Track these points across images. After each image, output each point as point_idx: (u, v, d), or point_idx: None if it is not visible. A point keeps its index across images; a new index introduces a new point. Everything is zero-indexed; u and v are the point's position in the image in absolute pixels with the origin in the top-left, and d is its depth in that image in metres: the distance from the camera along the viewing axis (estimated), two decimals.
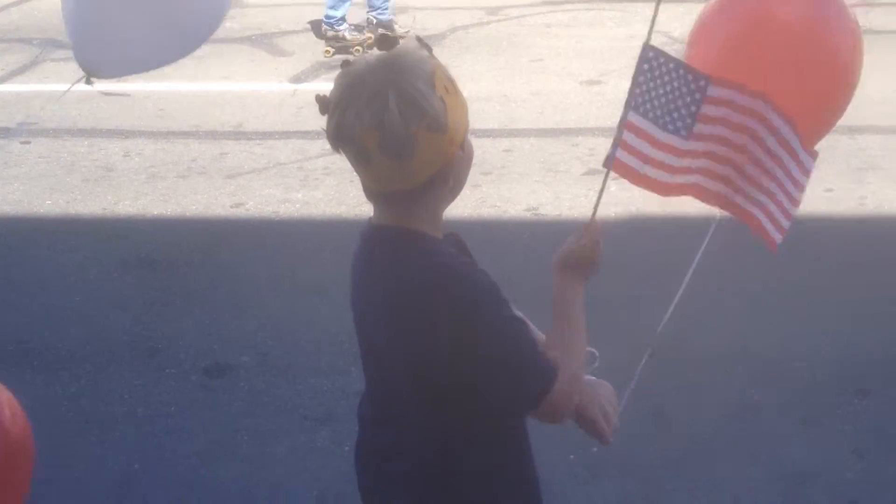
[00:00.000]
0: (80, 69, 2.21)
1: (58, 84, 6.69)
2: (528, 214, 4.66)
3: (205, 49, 7.96)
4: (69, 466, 3.15)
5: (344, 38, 6.80)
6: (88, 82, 2.19)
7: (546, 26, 7.51)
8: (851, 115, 6.28)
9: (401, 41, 1.61)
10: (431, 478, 1.63)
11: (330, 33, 6.85)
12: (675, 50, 7.33)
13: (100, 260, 4.44)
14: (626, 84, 6.57)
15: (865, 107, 5.84)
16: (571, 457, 3.01)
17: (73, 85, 2.26)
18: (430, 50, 1.55)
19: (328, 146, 5.33)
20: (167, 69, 7.35)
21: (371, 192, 1.58)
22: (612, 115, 5.87)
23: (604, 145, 5.47)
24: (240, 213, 4.83)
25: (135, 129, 5.87)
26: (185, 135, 5.75)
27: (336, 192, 4.96)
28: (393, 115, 1.45)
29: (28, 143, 5.78)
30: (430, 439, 1.61)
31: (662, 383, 3.41)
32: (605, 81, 6.34)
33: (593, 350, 1.77)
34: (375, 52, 1.54)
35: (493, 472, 1.64)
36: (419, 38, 1.57)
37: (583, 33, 7.31)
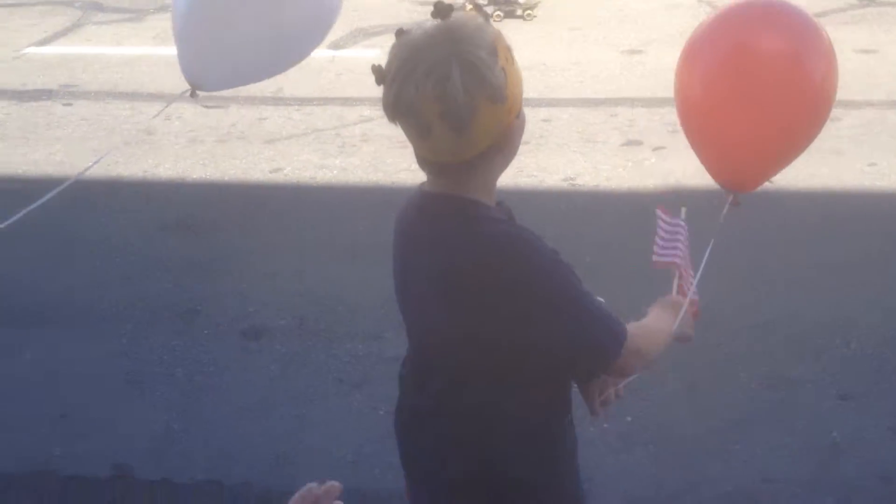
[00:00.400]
0: (186, 82, 2.24)
1: (100, 47, 6.76)
2: (565, 184, 4.65)
3: None
4: (111, 423, 3.22)
5: (516, 2, 6.84)
6: (193, 95, 2.23)
7: None
8: (894, 89, 6.17)
9: (466, 9, 1.57)
10: (475, 444, 1.63)
11: None
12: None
13: (140, 222, 4.50)
14: (667, 54, 6.56)
15: None
16: (605, 426, 3.02)
17: (175, 99, 2.32)
18: (486, 18, 1.52)
19: (366, 113, 5.34)
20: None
21: (427, 163, 1.56)
22: (652, 85, 5.86)
23: (643, 116, 5.44)
24: (278, 177, 4.87)
25: (175, 92, 5.90)
26: (225, 100, 5.78)
27: (373, 159, 4.98)
28: (455, 85, 1.43)
29: (70, 104, 5.85)
30: (480, 405, 1.61)
31: (698, 355, 3.41)
32: (646, 51, 6.28)
33: (601, 299, 1.76)
34: (431, 21, 1.50)
35: (537, 439, 1.64)
36: (476, 6, 1.54)
37: (626, 2, 7.23)
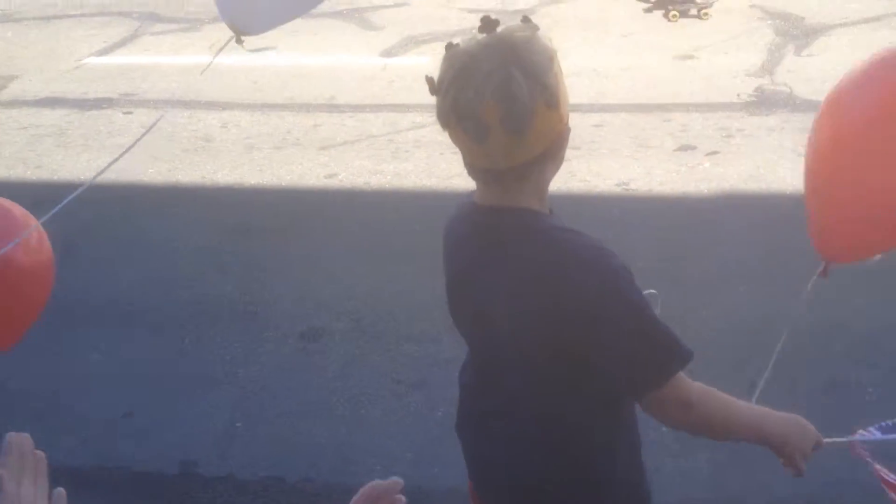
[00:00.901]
0: (230, 30, 2.30)
1: (157, 57, 6.91)
2: (618, 189, 4.66)
3: (297, 23, 8.08)
4: (175, 422, 3.30)
5: (692, 1, 6.89)
6: (239, 41, 2.29)
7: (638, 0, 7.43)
8: None
9: (704, 12, 1.53)
10: (547, 448, 1.65)
11: None
12: (771, 25, 7.11)
13: (201, 226, 4.60)
14: (719, 59, 6.50)
15: None
16: (664, 430, 3.02)
17: (224, 46, 2.35)
18: (536, 29, 1.55)
19: (418, 119, 5.39)
20: (258, 41, 7.49)
21: (479, 171, 1.56)
22: (704, 89, 5.85)
23: (697, 121, 5.43)
24: (332, 183, 4.94)
25: (231, 101, 6.03)
26: (280, 107, 5.88)
27: (426, 165, 5.03)
28: (520, 87, 1.46)
29: (130, 113, 5.99)
30: (552, 409, 1.63)
31: (755, 357, 3.40)
32: (698, 56, 6.26)
33: (654, 291, 1.75)
34: (478, 35, 1.53)
35: (608, 441, 1.66)
36: (527, 18, 1.57)
37: (676, 8, 7.20)
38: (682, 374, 1.58)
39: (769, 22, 6.76)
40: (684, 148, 5.03)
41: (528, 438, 1.67)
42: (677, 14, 6.88)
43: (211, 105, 6.00)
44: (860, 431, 1.78)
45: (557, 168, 1.61)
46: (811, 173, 1.85)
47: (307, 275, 4.14)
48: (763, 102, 5.52)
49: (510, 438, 1.69)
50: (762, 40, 6.43)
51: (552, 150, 1.55)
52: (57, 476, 1.38)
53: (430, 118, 5.61)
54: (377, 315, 3.82)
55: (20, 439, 1.06)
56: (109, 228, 4.64)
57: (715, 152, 4.96)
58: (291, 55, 6.63)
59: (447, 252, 1.71)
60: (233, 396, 3.41)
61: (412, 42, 6.79)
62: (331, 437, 3.19)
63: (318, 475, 3.03)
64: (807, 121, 6.07)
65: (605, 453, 1.66)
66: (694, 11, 6.92)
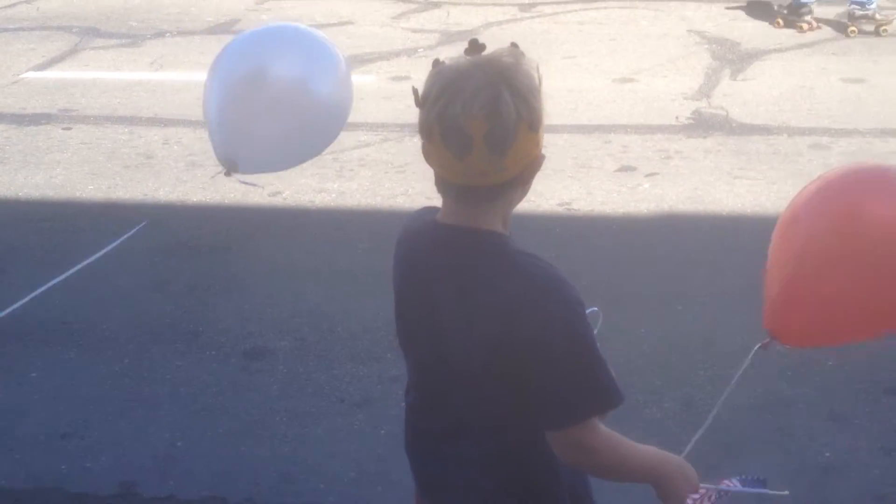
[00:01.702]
0: (220, 164, 2.46)
1: (98, 72, 6.83)
2: (560, 209, 4.73)
3: None
4: (114, 442, 3.26)
5: (873, 18, 6.92)
6: (227, 174, 2.43)
7: (579, 24, 7.56)
8: (885, 118, 6.28)
9: (882, 28, 1.56)
10: (498, 461, 1.67)
11: (859, 13, 6.94)
12: (708, 49, 7.33)
13: (141, 245, 4.54)
14: (658, 82, 6.64)
15: None
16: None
17: (215, 175, 2.55)
18: (523, 55, 1.58)
19: (363, 138, 5.41)
20: (201, 57, 7.49)
21: (451, 187, 1.58)
22: (644, 112, 5.97)
23: (636, 142, 5.54)
24: (276, 201, 4.93)
25: (174, 117, 5.98)
26: None
27: (371, 184, 5.05)
28: (506, 104, 1.49)
29: (69, 129, 5.91)
30: (500, 424, 1.64)
31: (693, 375, 3.48)
32: (638, 79, 6.39)
33: (596, 308, 1.79)
34: (464, 55, 1.56)
35: (550, 462, 1.67)
36: (514, 45, 1.59)
37: (616, 31, 7.36)
38: (596, 419, 1.59)
39: (706, 47, 6.93)
40: (624, 169, 5.12)
41: (475, 457, 1.68)
42: (856, 30, 6.95)
43: (153, 121, 5.95)
44: (724, 481, 1.86)
45: (524, 195, 1.64)
46: (779, 262, 1.90)
47: (250, 294, 4.12)
48: (700, 125, 5.66)
49: (459, 458, 1.70)
50: (699, 64, 6.59)
51: (525, 174, 1.58)
52: None
53: (376, 137, 5.68)
54: (321, 334, 3.82)
55: None
56: (47, 246, 4.57)
57: (654, 173, 5.06)
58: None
59: (400, 266, 1.72)
60: (174, 416, 3.38)
61: (357, 61, 6.81)
62: (273, 456, 3.17)
63: (260, 495, 3.02)
64: (742, 143, 6.30)
65: (551, 468, 1.68)
66: (870, 28, 7.00)
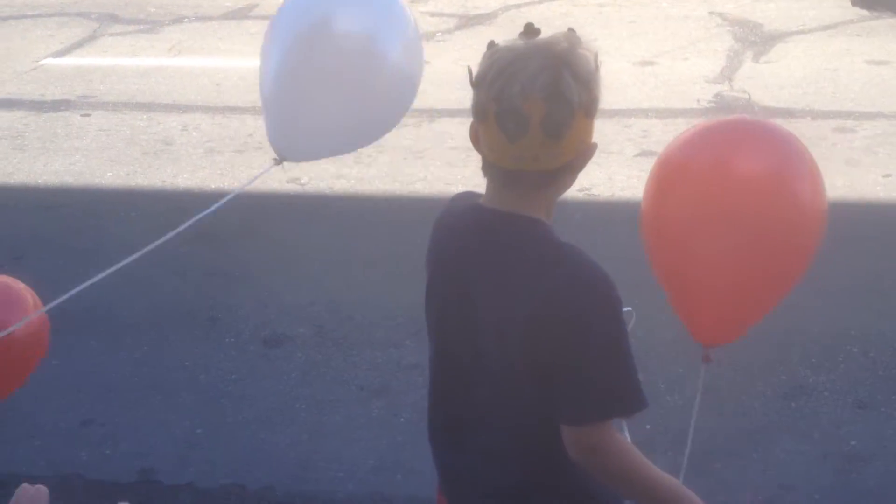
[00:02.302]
0: (274, 152, 2.25)
1: (116, 58, 6.83)
2: (580, 195, 4.68)
3: (258, 25, 8.11)
4: (134, 429, 3.26)
5: None
6: (279, 163, 2.27)
7: (599, 6, 7.48)
8: None
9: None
10: (523, 455, 1.64)
11: None
12: (730, 31, 7.23)
13: (160, 231, 4.52)
14: (679, 65, 6.58)
15: None
16: (626, 433, 3.05)
17: (265, 171, 2.34)
18: (580, 41, 1.55)
19: None
20: (219, 43, 7.46)
21: (500, 171, 1.54)
22: (665, 96, 5.90)
23: (657, 127, 5.48)
24: (295, 188, 4.91)
25: (192, 103, 5.97)
26: (242, 110, 5.83)
27: (389, 170, 5.02)
28: (567, 87, 1.46)
29: (88, 115, 5.91)
30: (528, 418, 1.61)
31: (716, 364, 3.43)
32: (659, 62, 6.32)
33: (630, 309, 1.76)
34: (521, 39, 1.52)
35: None
36: (572, 30, 1.56)
37: (636, 13, 7.27)
38: (612, 423, 1.57)
39: (728, 29, 6.84)
40: (645, 154, 5.07)
41: (497, 450, 1.66)
42: None
43: (171, 108, 5.94)
44: None
45: (571, 184, 1.61)
46: (660, 266, 1.80)
47: (269, 280, 4.11)
48: (722, 108, 5.58)
49: (480, 451, 1.68)
50: (721, 47, 6.50)
51: (576, 162, 1.55)
52: (15, 485, 1.35)
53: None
54: (339, 321, 3.80)
55: (35, 493, 1.03)
56: (67, 233, 4.58)
57: None
58: (253, 57, 6.57)
59: (437, 248, 1.69)
60: (193, 403, 3.38)
61: None
62: (292, 444, 3.17)
63: (279, 483, 3.01)
64: None
65: (571, 466, 1.65)
66: None
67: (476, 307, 1.61)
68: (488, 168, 1.58)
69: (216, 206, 2.33)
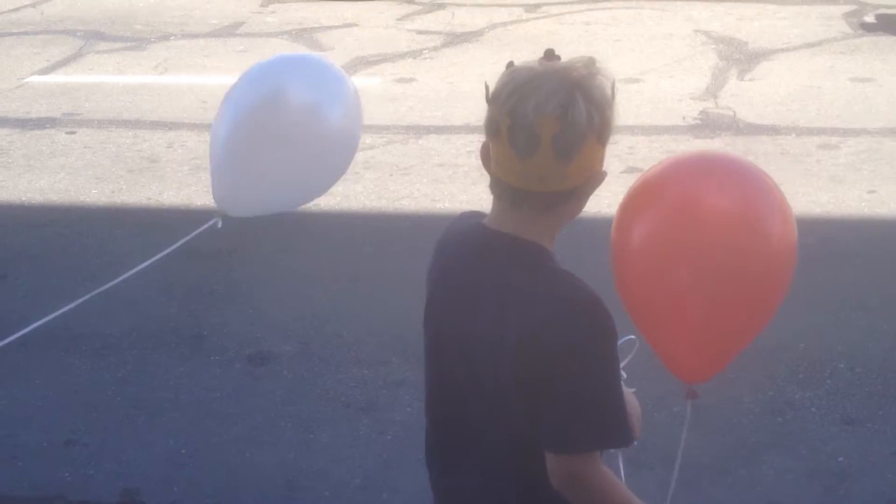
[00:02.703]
0: (216, 204, 2.49)
1: (102, 76, 6.81)
2: None
3: (245, 43, 8.11)
4: (118, 449, 3.23)
5: None
6: (215, 225, 2.43)
7: (585, 24, 7.52)
8: (894, 117, 6.25)
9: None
10: (518, 473, 1.63)
11: None
12: (715, 49, 7.27)
13: (145, 249, 4.51)
14: (664, 82, 6.61)
15: None
16: (612, 450, 3.04)
17: (204, 228, 2.53)
18: (600, 69, 1.55)
19: (368, 141, 5.38)
20: (206, 60, 7.46)
21: (506, 190, 1.55)
22: (650, 113, 5.92)
23: (643, 143, 5.50)
24: None
25: (178, 120, 5.96)
26: None
27: (376, 187, 5.01)
28: (580, 109, 1.47)
29: (73, 132, 5.88)
30: (520, 438, 1.60)
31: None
32: (644, 80, 6.35)
33: (633, 337, 1.74)
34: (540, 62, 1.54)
35: None
36: (592, 59, 1.56)
37: (622, 31, 7.31)
38: (597, 455, 1.56)
39: (713, 46, 6.88)
40: (631, 170, 5.08)
41: (490, 472, 1.65)
42: None
43: (157, 125, 5.92)
44: None
45: (577, 213, 1.61)
46: (636, 313, 1.76)
47: (254, 298, 4.09)
48: (708, 125, 5.61)
49: (473, 472, 1.67)
50: (706, 64, 6.54)
51: (585, 188, 1.55)
52: None
53: (380, 139, 5.65)
54: (325, 338, 3.78)
55: None
56: (51, 251, 4.55)
57: None
58: (239, 75, 6.57)
59: (439, 269, 1.69)
60: (177, 422, 3.34)
61: (361, 63, 6.78)
62: (278, 462, 3.14)
63: (264, 502, 2.98)
64: (750, 144, 6.26)
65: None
66: None
67: (472, 328, 1.60)
68: (495, 186, 1.58)
69: (161, 253, 2.50)
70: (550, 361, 1.52)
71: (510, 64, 1.56)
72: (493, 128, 1.53)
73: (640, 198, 1.73)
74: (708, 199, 1.67)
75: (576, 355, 1.52)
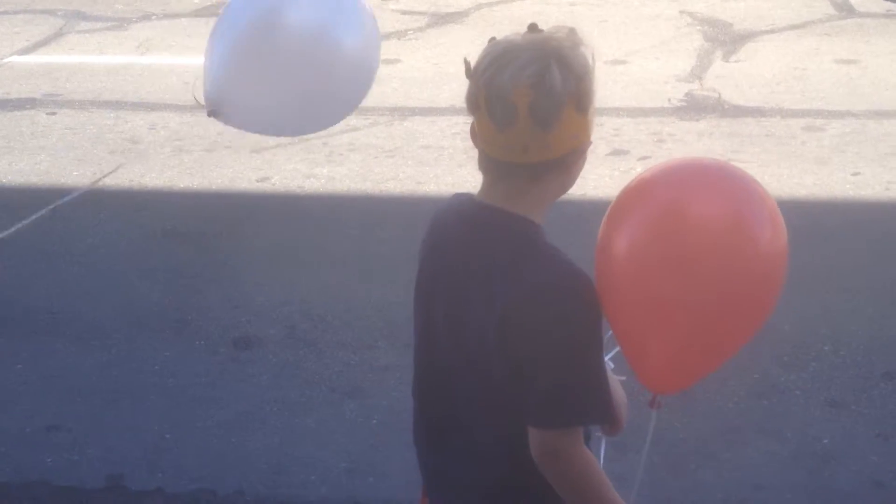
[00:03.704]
0: (206, 100, 2.17)
1: (83, 56, 6.73)
2: None
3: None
4: (102, 434, 3.21)
5: None
6: (210, 115, 2.16)
7: (571, 5, 7.48)
8: (878, 100, 6.28)
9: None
10: (507, 454, 1.63)
11: None
12: (700, 31, 7.25)
13: (127, 232, 4.48)
14: (651, 64, 6.59)
15: (892, 91, 5.84)
16: (598, 434, 3.04)
17: (197, 105, 2.21)
18: (581, 42, 1.56)
19: (353, 122, 5.34)
20: (188, 41, 7.38)
21: (493, 162, 1.55)
22: (636, 94, 5.91)
23: (629, 125, 5.49)
24: (265, 187, 4.86)
25: (160, 101, 5.90)
26: None
27: (361, 168, 4.98)
28: (554, 76, 1.47)
29: (54, 114, 5.82)
30: (509, 417, 1.59)
31: None
32: (630, 61, 6.33)
33: (623, 378, 1.75)
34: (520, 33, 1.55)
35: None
36: (573, 30, 1.57)
37: (608, 12, 7.28)
38: (579, 432, 1.56)
39: (698, 28, 6.86)
40: (617, 152, 5.07)
41: (477, 451, 1.65)
42: None
43: (138, 106, 5.86)
44: None
45: (567, 186, 1.60)
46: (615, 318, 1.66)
47: (239, 281, 4.06)
48: (693, 107, 5.60)
49: (460, 452, 1.67)
50: (691, 46, 6.53)
51: (570, 158, 1.55)
52: None
53: (365, 121, 5.61)
54: (311, 322, 3.76)
55: None
56: (32, 234, 4.50)
57: (647, 157, 5.01)
58: None
59: (432, 246, 1.68)
60: (162, 407, 3.32)
61: None
62: (264, 447, 3.13)
63: (250, 487, 2.97)
64: (735, 126, 6.26)
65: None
66: None
67: (462, 304, 1.60)
68: (483, 161, 1.58)
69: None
70: (533, 334, 1.52)
71: (491, 39, 1.56)
72: (473, 101, 1.54)
73: (627, 203, 1.64)
74: (697, 208, 1.60)
75: (561, 328, 1.52)
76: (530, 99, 1.47)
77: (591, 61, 1.53)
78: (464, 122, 5.46)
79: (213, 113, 2.18)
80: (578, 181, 1.63)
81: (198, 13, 7.50)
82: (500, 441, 1.63)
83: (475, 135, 1.57)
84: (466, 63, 1.55)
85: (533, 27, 1.55)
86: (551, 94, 1.48)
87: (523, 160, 1.52)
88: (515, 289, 1.53)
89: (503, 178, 1.56)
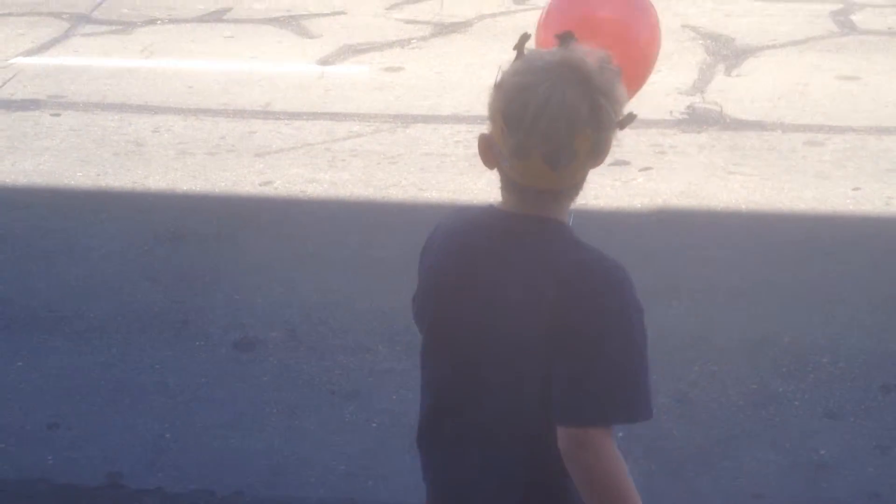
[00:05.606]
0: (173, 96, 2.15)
1: (88, 59, 6.76)
2: None
3: (232, 29, 8.07)
4: (101, 433, 3.21)
5: None
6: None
7: None
8: (879, 116, 6.31)
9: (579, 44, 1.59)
10: (526, 468, 1.62)
11: None
12: (702, 45, 7.28)
13: (130, 233, 4.50)
14: (653, 77, 6.59)
15: (893, 108, 5.87)
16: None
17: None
18: (609, 58, 1.59)
19: (355, 128, 5.37)
20: (192, 46, 7.39)
21: (531, 191, 1.57)
22: (637, 106, 5.89)
23: (630, 137, 5.50)
24: (268, 191, 4.88)
25: (164, 105, 5.92)
26: (214, 112, 5.79)
27: (363, 174, 5.00)
28: (608, 114, 1.53)
29: (58, 115, 5.83)
30: (531, 429, 1.59)
31: (686, 371, 3.46)
32: None
33: None
34: (546, 55, 1.57)
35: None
36: (603, 55, 1.58)
37: None
38: (612, 431, 1.55)
39: (700, 42, 6.90)
40: (618, 163, 5.09)
41: (501, 465, 1.63)
42: None
43: (143, 109, 5.88)
44: None
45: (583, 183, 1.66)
46: None
47: (240, 283, 4.07)
48: (694, 120, 5.63)
49: (483, 466, 1.64)
50: (694, 60, 6.56)
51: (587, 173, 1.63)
52: None
53: (368, 128, 5.63)
54: (312, 325, 3.78)
55: None
56: (35, 234, 4.51)
57: (648, 168, 5.03)
58: (227, 60, 6.54)
59: (445, 253, 1.66)
60: (162, 407, 3.33)
61: (350, 51, 6.76)
62: (263, 448, 3.13)
63: (249, 488, 2.98)
64: (736, 139, 6.28)
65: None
66: None
67: (492, 310, 1.59)
68: (514, 187, 1.59)
69: None
70: (586, 326, 1.53)
71: (524, 36, 1.58)
72: (524, 152, 1.53)
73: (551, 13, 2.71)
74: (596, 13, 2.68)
75: (615, 322, 1.54)
76: (591, 141, 1.54)
77: (619, 79, 1.57)
78: (466, 131, 5.49)
79: None
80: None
81: (202, 19, 7.53)
82: (525, 456, 1.61)
83: (488, 154, 1.58)
84: (500, 72, 1.56)
85: (567, 37, 1.57)
86: (608, 129, 1.55)
87: (570, 184, 1.59)
88: (566, 269, 1.55)
89: (535, 196, 1.59)
